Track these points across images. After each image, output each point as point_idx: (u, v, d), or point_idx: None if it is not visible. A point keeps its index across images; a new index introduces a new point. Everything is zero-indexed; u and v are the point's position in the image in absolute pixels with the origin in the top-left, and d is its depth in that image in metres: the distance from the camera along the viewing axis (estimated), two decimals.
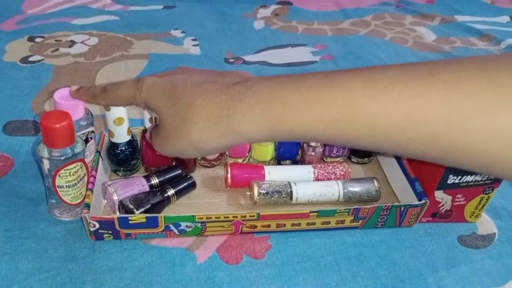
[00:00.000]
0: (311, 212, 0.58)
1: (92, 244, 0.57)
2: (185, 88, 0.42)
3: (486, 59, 0.35)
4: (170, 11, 1.23)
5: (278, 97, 0.39)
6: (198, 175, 0.67)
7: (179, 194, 0.62)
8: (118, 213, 0.59)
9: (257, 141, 0.58)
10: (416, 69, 0.36)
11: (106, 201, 0.62)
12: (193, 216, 0.56)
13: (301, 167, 0.68)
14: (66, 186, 0.56)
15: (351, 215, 0.60)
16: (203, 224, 0.57)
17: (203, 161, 0.69)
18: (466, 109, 0.33)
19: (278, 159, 0.70)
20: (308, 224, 0.60)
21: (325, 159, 0.72)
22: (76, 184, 0.56)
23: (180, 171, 0.65)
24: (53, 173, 0.54)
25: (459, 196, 0.61)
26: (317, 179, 0.66)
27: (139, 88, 0.44)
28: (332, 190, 0.63)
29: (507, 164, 0.33)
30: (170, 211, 0.61)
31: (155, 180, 0.62)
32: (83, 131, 0.60)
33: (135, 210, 0.57)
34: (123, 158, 0.63)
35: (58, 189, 0.56)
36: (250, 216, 0.57)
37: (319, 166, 0.67)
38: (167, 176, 0.64)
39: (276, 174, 0.66)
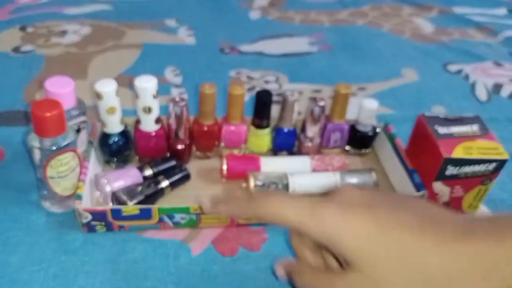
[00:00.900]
0: None
1: (85, 236, 0.56)
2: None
3: None
4: (164, 0, 1.21)
5: None
6: (193, 166, 0.66)
7: (173, 185, 0.61)
8: (111, 204, 0.58)
9: None
10: None
11: (99, 193, 0.61)
12: (187, 207, 0.55)
13: (298, 159, 0.67)
14: (57, 177, 0.54)
15: None
16: (198, 216, 0.56)
17: (198, 152, 0.68)
18: None
19: (275, 151, 0.69)
20: None
21: (322, 151, 0.71)
22: (68, 175, 0.55)
23: (174, 162, 0.64)
24: (44, 163, 0.53)
25: (457, 187, 0.60)
26: (314, 171, 0.65)
27: (318, 218, 0.34)
28: (329, 181, 0.62)
29: None
30: (164, 203, 0.60)
31: (149, 171, 0.61)
32: (74, 121, 0.59)
33: (128, 201, 0.56)
34: (116, 149, 0.62)
35: (49, 180, 0.55)
36: None
37: (316, 157, 0.66)
38: (161, 167, 0.62)
39: (272, 165, 0.65)
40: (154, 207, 0.55)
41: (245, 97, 0.64)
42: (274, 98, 0.65)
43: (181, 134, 0.63)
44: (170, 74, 0.90)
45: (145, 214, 0.55)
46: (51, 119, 0.49)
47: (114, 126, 0.60)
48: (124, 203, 0.56)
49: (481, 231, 0.31)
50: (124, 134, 0.62)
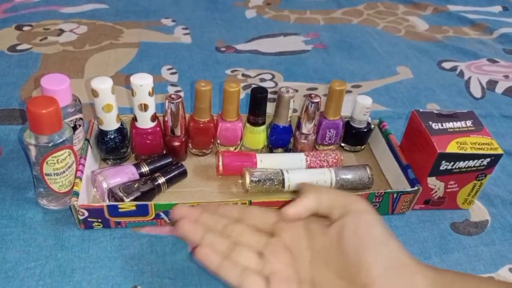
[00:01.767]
0: None
1: (81, 233, 0.56)
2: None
3: None
4: None
5: None
6: (189, 163, 0.66)
7: (170, 182, 0.61)
8: (107, 201, 0.58)
9: None
10: None
11: (95, 190, 0.61)
12: (184, 204, 0.55)
13: (293, 155, 0.67)
14: (54, 174, 0.55)
15: None
16: None
17: (194, 150, 0.69)
18: None
19: (270, 147, 0.70)
20: None
21: (317, 147, 0.71)
22: (64, 172, 0.55)
23: (170, 159, 0.64)
24: (40, 160, 0.53)
25: (451, 182, 0.61)
26: (309, 167, 0.65)
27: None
28: (325, 177, 0.63)
29: None
30: (160, 199, 0.60)
31: (145, 168, 0.62)
32: (71, 118, 0.59)
33: (124, 198, 0.56)
34: (112, 146, 0.62)
35: (46, 177, 0.55)
36: (242, 204, 0.57)
37: (311, 154, 0.66)
38: (157, 164, 0.63)
39: (268, 162, 0.65)
40: (151, 204, 0.55)
41: (240, 94, 0.64)
42: (270, 95, 0.65)
43: (177, 131, 0.64)
44: (167, 73, 0.90)
45: (142, 211, 0.55)
46: (47, 116, 0.49)
47: (110, 123, 0.61)
48: (120, 199, 0.56)
49: None
50: (120, 131, 0.62)
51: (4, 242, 0.55)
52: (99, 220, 0.56)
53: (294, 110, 0.69)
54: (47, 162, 0.53)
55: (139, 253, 0.55)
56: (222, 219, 0.48)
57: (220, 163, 0.64)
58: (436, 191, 0.62)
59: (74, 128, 0.60)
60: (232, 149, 0.68)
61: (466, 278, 0.43)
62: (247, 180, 0.61)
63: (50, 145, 0.52)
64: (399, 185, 0.63)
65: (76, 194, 0.54)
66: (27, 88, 0.82)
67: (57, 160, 0.53)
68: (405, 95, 0.90)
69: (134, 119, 0.62)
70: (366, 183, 0.63)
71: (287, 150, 0.70)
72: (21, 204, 0.59)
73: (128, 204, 0.54)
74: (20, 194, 0.61)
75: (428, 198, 0.63)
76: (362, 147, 0.72)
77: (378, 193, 0.59)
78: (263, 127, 0.67)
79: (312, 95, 0.64)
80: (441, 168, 0.59)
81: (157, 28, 1.07)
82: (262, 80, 0.90)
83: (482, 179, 0.61)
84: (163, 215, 0.56)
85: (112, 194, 0.57)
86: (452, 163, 0.58)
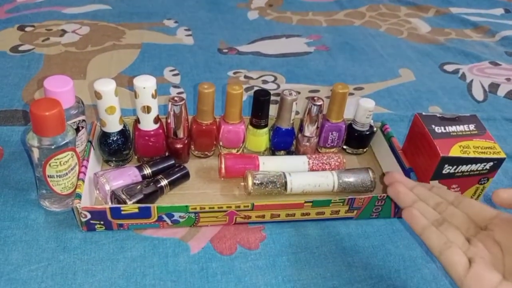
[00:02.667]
0: (305, 202, 0.57)
1: (84, 235, 0.56)
2: None
3: None
4: (163, 0, 1.22)
5: None
6: (191, 165, 0.66)
7: (172, 184, 0.61)
8: (110, 203, 0.58)
9: None
10: None
11: (98, 192, 0.61)
12: (186, 206, 0.55)
13: (295, 158, 0.67)
14: (56, 176, 0.55)
15: (346, 205, 0.59)
16: (196, 215, 0.57)
17: (196, 152, 0.69)
18: None
19: (273, 150, 0.69)
20: (302, 214, 0.59)
21: (319, 150, 0.71)
22: (67, 174, 0.55)
23: (173, 162, 0.64)
24: (43, 162, 0.53)
25: (454, 186, 0.61)
26: (311, 170, 0.65)
27: None
28: (327, 180, 0.62)
29: None
30: (163, 201, 0.60)
31: (147, 170, 0.62)
32: (74, 120, 0.59)
33: (127, 200, 0.56)
34: (115, 148, 0.62)
35: (48, 179, 0.55)
36: (244, 207, 0.57)
37: (313, 156, 0.66)
38: (160, 167, 0.63)
39: (270, 164, 0.65)
40: (153, 206, 0.55)
41: (243, 96, 0.64)
42: (272, 97, 0.65)
43: (180, 133, 0.64)
44: (169, 74, 0.90)
45: (144, 213, 0.55)
46: (50, 118, 0.49)
47: (113, 125, 0.61)
48: (123, 202, 0.56)
49: None
50: (123, 133, 0.62)
51: (6, 244, 0.55)
52: (102, 222, 0.56)
53: (297, 113, 0.69)
54: (49, 164, 0.53)
55: (142, 255, 0.55)
56: (436, 197, 0.47)
57: (223, 166, 0.64)
58: None
59: (77, 130, 0.60)
60: (234, 151, 0.68)
61: None
62: (250, 183, 0.61)
63: (53, 147, 0.52)
64: None
65: (79, 196, 0.54)
66: (29, 89, 0.82)
67: (60, 162, 0.53)
68: (407, 97, 0.90)
69: (137, 121, 0.62)
70: (368, 186, 0.63)
71: (289, 152, 0.70)
72: (23, 205, 0.59)
73: (130, 207, 0.54)
74: (22, 196, 0.61)
75: None
76: (365, 150, 0.72)
77: (380, 196, 0.59)
78: (265, 130, 0.67)
79: (315, 98, 0.64)
80: (443, 171, 0.58)
81: (159, 29, 1.07)
82: (264, 82, 0.90)
83: (484, 183, 0.61)
84: (165, 218, 0.56)
85: (114, 196, 0.57)
86: (455, 166, 0.58)
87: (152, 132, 0.63)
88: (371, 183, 0.63)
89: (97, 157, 0.64)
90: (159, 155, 0.65)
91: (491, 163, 0.58)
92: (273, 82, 0.91)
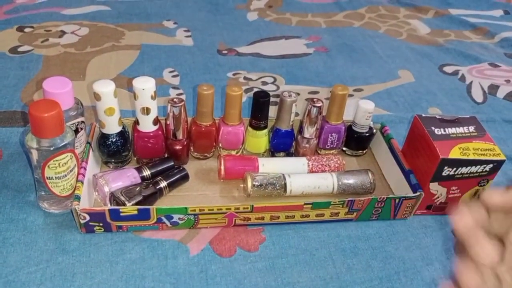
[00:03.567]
0: (305, 204, 0.57)
1: (83, 237, 0.56)
2: None
3: None
4: (162, 1, 1.21)
5: None
6: (191, 167, 0.66)
7: (171, 186, 0.61)
8: (109, 205, 0.58)
9: None
10: None
11: (97, 193, 0.61)
12: (185, 208, 0.55)
13: (295, 159, 0.67)
14: (55, 178, 0.54)
15: (346, 207, 0.59)
16: (196, 217, 0.57)
17: (196, 153, 0.68)
18: None
19: (272, 151, 0.69)
20: (302, 216, 0.59)
21: (319, 151, 0.71)
22: (65, 175, 0.55)
23: (172, 163, 0.64)
24: (42, 164, 0.53)
25: (454, 188, 0.61)
26: (311, 171, 0.65)
27: None
28: (327, 182, 0.62)
29: None
30: (162, 203, 0.60)
31: (147, 172, 0.61)
32: (73, 121, 0.59)
33: (126, 202, 0.56)
34: (114, 149, 0.62)
35: (47, 181, 0.55)
36: (244, 208, 0.57)
37: (313, 158, 0.66)
38: (159, 168, 0.63)
39: (270, 166, 0.65)
40: (152, 208, 0.55)
41: (242, 98, 0.64)
42: (272, 99, 0.65)
43: (179, 134, 0.63)
44: (168, 75, 0.90)
45: (143, 215, 0.55)
46: (49, 120, 0.49)
47: (112, 126, 0.60)
48: (122, 203, 0.56)
49: None
50: (122, 134, 0.62)
51: (5, 246, 0.54)
52: (101, 224, 0.56)
53: (296, 114, 0.69)
54: (48, 166, 0.53)
55: (141, 257, 0.55)
56: None
57: (222, 167, 0.64)
58: (438, 197, 0.62)
59: (76, 131, 0.60)
60: (234, 153, 0.68)
61: None
62: (249, 185, 0.61)
63: (52, 148, 0.52)
64: (401, 190, 0.63)
65: (78, 198, 0.54)
66: (28, 90, 0.82)
67: (59, 164, 0.53)
68: (407, 99, 0.90)
69: (136, 122, 0.62)
70: (368, 188, 0.63)
71: (289, 154, 0.69)
72: (22, 207, 0.59)
73: (130, 208, 0.54)
74: (21, 198, 0.61)
75: (430, 203, 0.62)
76: (364, 151, 0.72)
77: (380, 198, 0.59)
78: (265, 131, 0.67)
79: (315, 99, 0.64)
80: (443, 173, 0.58)
81: (158, 31, 1.07)
82: (264, 83, 0.90)
83: (484, 185, 0.61)
84: (164, 219, 0.56)
85: (113, 198, 0.57)
86: (455, 168, 0.58)
87: (151, 134, 0.63)
88: (370, 184, 0.63)
89: (96, 159, 0.64)
90: (158, 157, 0.65)
91: (491, 165, 0.58)
92: (272, 83, 0.91)
